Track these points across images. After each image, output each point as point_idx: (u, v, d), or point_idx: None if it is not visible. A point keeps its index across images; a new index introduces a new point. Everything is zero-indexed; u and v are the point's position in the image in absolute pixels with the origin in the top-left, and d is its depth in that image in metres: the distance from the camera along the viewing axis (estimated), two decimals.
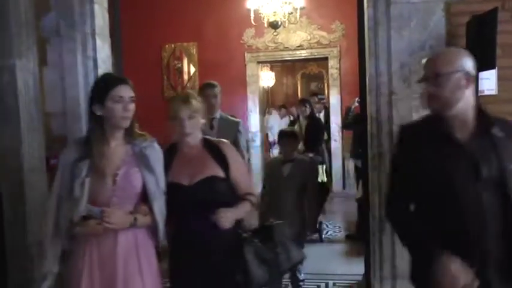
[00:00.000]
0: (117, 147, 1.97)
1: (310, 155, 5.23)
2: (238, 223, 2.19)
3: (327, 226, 5.74)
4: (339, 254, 4.86)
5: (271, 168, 3.75)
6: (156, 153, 2.03)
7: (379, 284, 2.72)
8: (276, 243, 2.27)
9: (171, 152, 2.20)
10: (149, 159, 1.99)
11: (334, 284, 4.06)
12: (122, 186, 1.93)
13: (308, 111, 6.05)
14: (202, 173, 2.10)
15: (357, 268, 3.85)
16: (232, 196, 2.16)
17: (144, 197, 1.99)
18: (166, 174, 2.08)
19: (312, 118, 6.09)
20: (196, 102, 2.15)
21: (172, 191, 2.06)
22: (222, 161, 2.13)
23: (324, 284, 4.06)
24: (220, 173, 2.12)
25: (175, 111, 2.12)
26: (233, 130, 3.54)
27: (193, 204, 2.07)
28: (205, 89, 3.75)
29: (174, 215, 2.08)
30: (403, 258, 2.64)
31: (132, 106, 1.96)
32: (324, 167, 5.60)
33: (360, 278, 3.73)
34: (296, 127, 5.75)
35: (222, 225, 2.05)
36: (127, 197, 1.95)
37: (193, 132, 2.14)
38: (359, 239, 4.20)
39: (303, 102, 6.29)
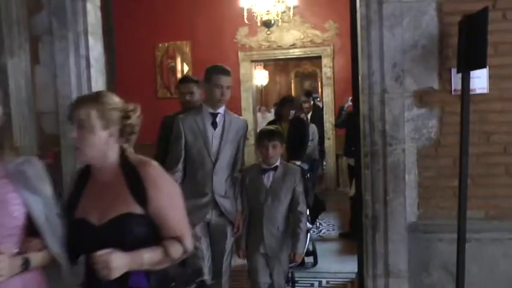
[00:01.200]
0: None
1: (298, 163, 4.34)
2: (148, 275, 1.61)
3: (321, 224, 5.76)
4: (332, 252, 4.88)
5: (249, 179, 3.00)
6: (36, 170, 1.59)
7: (372, 281, 2.73)
8: None
9: (83, 177, 1.72)
10: (29, 177, 1.55)
11: (327, 282, 4.08)
12: None
13: (292, 113, 4.86)
14: (114, 210, 1.58)
15: (350, 266, 3.87)
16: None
17: (32, 228, 1.56)
18: (75, 206, 1.65)
19: (297, 120, 4.96)
20: (86, 110, 1.58)
21: (78, 230, 1.62)
22: (140, 192, 1.59)
23: (317, 282, 4.07)
24: (137, 209, 1.59)
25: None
26: (239, 132, 2.99)
27: (102, 249, 1.50)
28: (179, 85, 3.73)
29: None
30: (396, 256, 2.66)
31: None
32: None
33: (353, 276, 3.76)
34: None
35: (101, 274, 1.48)
36: (5, 234, 1.50)
37: (82, 148, 1.60)
38: (352, 237, 4.22)
39: (286, 102, 4.97)
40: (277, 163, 2.96)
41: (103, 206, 1.61)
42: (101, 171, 1.66)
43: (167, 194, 1.64)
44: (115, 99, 1.66)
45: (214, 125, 2.92)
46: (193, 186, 2.87)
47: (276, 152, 2.92)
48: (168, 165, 2.77)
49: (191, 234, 1.73)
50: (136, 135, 1.71)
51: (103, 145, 1.61)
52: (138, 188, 1.59)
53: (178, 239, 1.65)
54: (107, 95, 1.67)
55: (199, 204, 2.87)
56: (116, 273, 1.49)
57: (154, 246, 1.61)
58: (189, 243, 1.69)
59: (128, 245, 1.55)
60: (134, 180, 1.60)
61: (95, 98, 1.63)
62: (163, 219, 1.63)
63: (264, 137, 2.98)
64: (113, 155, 1.64)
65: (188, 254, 1.71)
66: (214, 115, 2.93)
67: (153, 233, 1.63)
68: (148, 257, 1.58)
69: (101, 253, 1.48)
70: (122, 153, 1.66)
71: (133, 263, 1.54)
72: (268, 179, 2.93)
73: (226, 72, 2.92)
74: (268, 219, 2.88)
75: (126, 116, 1.64)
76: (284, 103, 4.95)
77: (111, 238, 1.55)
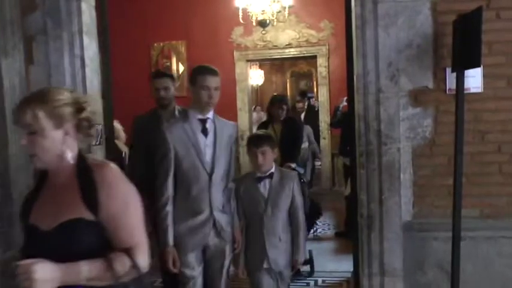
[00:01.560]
0: None
1: (293, 165, 4.24)
2: None
3: (317, 224, 5.76)
4: (328, 251, 4.90)
5: (244, 189, 2.80)
6: None
7: (367, 280, 2.74)
8: None
9: (42, 179, 1.57)
10: None
11: (323, 281, 4.08)
12: None
13: (284, 114, 4.53)
14: (63, 215, 1.44)
15: (346, 265, 3.88)
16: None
17: None
18: (29, 211, 1.53)
19: (289, 120, 4.61)
20: (31, 112, 1.43)
21: (29, 236, 1.50)
22: (91, 196, 1.44)
23: (313, 282, 4.08)
24: (88, 215, 1.44)
25: None
26: (231, 137, 2.73)
27: (50, 258, 1.37)
28: (153, 80, 3.44)
29: None
30: (391, 255, 2.67)
31: None
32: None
33: (349, 274, 3.76)
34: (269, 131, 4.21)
35: (22, 287, 1.32)
36: None
37: (37, 154, 1.46)
38: (348, 236, 4.22)
39: (276, 101, 4.61)
40: (272, 169, 2.77)
41: (55, 211, 1.46)
42: (56, 173, 1.52)
43: (122, 199, 1.47)
44: (63, 94, 1.50)
45: (204, 132, 2.59)
46: (188, 204, 2.58)
47: (267, 158, 2.71)
48: (157, 188, 2.58)
49: (147, 250, 1.53)
50: (94, 128, 1.58)
51: (60, 146, 1.47)
52: (89, 192, 1.44)
53: (128, 252, 1.46)
54: (52, 90, 1.52)
55: (196, 224, 2.58)
56: (39, 287, 1.31)
57: (98, 258, 1.41)
58: (142, 259, 1.49)
59: (76, 254, 1.39)
60: (87, 183, 1.46)
61: (39, 97, 1.47)
62: (115, 227, 1.46)
63: (252, 143, 2.75)
64: (70, 154, 1.49)
65: (141, 273, 1.49)
66: (204, 121, 2.60)
67: (106, 243, 1.46)
68: (87, 270, 1.39)
69: (24, 262, 1.32)
70: (79, 153, 1.53)
71: (66, 276, 1.36)
72: (265, 188, 2.74)
73: (213, 72, 2.60)
74: (269, 230, 2.70)
75: (79, 109, 1.49)
76: (273, 102, 4.60)
77: (58, 245, 1.41)
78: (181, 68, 7.62)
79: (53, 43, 2.77)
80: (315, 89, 9.63)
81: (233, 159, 2.73)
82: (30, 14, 2.79)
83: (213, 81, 2.57)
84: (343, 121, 5.09)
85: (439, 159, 2.65)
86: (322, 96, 7.59)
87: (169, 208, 2.56)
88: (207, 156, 2.59)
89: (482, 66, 2.45)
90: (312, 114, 7.72)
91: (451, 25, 2.50)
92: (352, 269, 3.24)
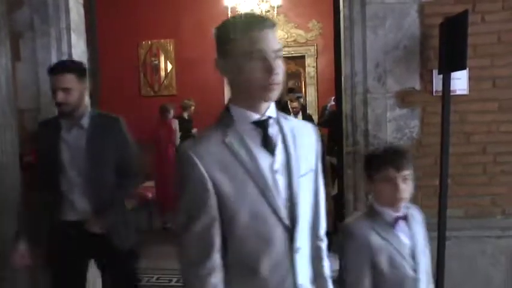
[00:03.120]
0: None
1: None
2: None
3: None
4: None
5: (374, 241, 1.70)
6: None
7: None
8: None
9: None
10: None
11: None
12: None
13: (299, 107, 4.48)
14: None
15: (333, 264, 3.90)
16: None
17: None
18: None
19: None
20: None
21: None
22: None
23: None
24: None
25: None
26: (311, 147, 1.36)
27: None
28: (49, 76, 2.32)
29: None
30: None
31: None
32: None
33: (335, 273, 3.78)
34: None
35: None
36: None
37: None
38: (336, 236, 4.22)
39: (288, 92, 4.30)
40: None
41: None
42: None
43: None
44: None
45: (268, 145, 1.26)
46: None
47: (409, 187, 1.71)
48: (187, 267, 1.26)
49: None
50: None
51: None
52: None
53: None
54: None
55: None
56: None
57: None
58: None
59: None
60: None
61: None
62: None
63: (386, 163, 1.69)
64: None
65: None
66: (262, 124, 1.25)
67: None
68: None
69: None
70: None
71: None
72: (405, 235, 1.73)
73: (267, 24, 1.20)
74: None
75: None
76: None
77: None
78: (170, 67, 7.60)
79: (40, 40, 2.74)
80: (303, 89, 9.67)
81: (321, 190, 1.44)
82: (17, 10, 2.76)
83: (270, 41, 1.18)
84: (331, 121, 5.12)
85: (426, 160, 2.68)
86: (310, 96, 7.64)
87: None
88: (281, 193, 1.26)
89: (468, 69, 2.49)
90: (307, 114, 7.73)
91: (438, 28, 2.53)
92: (338, 268, 3.26)
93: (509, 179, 2.68)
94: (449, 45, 2.41)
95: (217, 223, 1.21)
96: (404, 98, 2.68)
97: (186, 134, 6.28)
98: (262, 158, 1.24)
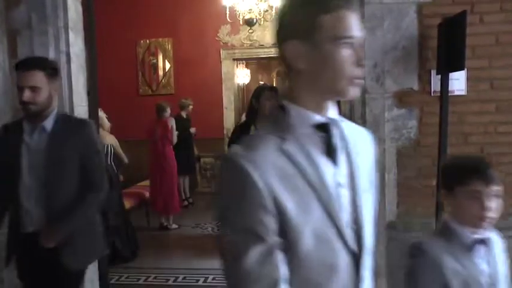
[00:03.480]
0: None
1: None
2: None
3: None
4: None
5: (450, 267, 1.50)
6: None
7: None
8: None
9: None
10: None
11: None
12: None
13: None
14: None
15: None
16: None
17: None
18: None
19: None
20: None
21: None
22: None
23: None
24: None
25: None
26: (369, 156, 1.22)
27: None
28: (17, 73, 2.13)
29: None
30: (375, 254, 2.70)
31: None
32: None
33: None
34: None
35: None
36: None
37: None
38: None
39: (268, 90, 3.31)
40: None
41: None
42: None
43: None
44: None
45: (330, 152, 1.04)
46: None
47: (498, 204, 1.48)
48: None
49: None
50: None
51: None
52: None
53: None
54: None
55: None
56: None
57: None
58: None
59: None
60: None
61: None
62: None
63: (472, 176, 1.46)
64: None
65: None
66: (325, 128, 1.04)
67: None
68: None
69: None
70: None
71: None
72: (483, 262, 1.52)
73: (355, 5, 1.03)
74: None
75: None
76: (260, 93, 3.30)
77: None
78: (168, 66, 7.59)
79: (38, 38, 2.73)
80: None
81: (377, 209, 1.23)
82: (15, 8, 2.75)
83: (359, 26, 1.02)
84: None
85: (423, 160, 2.68)
86: None
87: None
88: (346, 211, 1.05)
89: (466, 69, 2.49)
90: None
91: (436, 28, 2.53)
92: None
93: (507, 180, 2.68)
94: (448, 45, 2.41)
95: (279, 249, 0.95)
96: (402, 98, 2.68)
97: (184, 133, 6.29)
98: (326, 171, 1.02)
